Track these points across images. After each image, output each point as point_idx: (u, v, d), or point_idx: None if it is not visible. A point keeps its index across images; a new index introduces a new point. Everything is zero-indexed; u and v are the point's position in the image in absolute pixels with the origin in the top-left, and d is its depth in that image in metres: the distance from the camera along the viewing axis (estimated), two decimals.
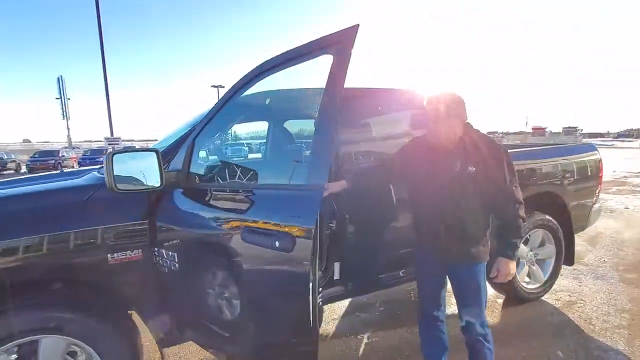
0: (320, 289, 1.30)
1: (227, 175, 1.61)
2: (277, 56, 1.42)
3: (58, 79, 21.25)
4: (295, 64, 1.37)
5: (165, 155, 1.78)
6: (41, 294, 1.53)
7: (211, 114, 1.60)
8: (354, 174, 2.08)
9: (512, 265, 1.65)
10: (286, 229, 1.20)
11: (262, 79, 1.47)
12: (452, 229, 1.64)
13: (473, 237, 1.65)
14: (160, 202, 1.67)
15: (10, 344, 1.44)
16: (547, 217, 2.87)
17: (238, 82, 1.51)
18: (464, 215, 1.62)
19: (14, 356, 1.48)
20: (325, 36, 1.27)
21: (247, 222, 1.36)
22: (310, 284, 1.16)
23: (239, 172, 1.52)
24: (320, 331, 2.62)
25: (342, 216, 2.23)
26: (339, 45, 1.20)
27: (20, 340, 1.46)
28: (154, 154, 1.48)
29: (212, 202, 1.58)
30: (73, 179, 1.98)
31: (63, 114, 21.71)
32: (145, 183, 1.47)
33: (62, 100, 21.25)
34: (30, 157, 23.23)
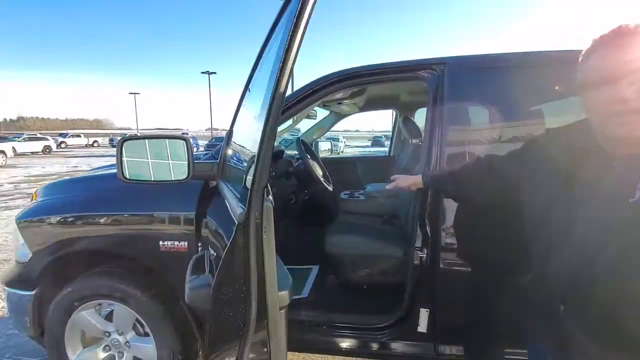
0: None
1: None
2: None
3: None
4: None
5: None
6: (111, 266, 1.73)
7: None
8: (444, 171, 1.40)
9: None
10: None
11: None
12: (590, 316, 0.76)
13: None
14: (213, 194, 1.59)
15: (89, 302, 1.69)
16: None
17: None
18: (628, 296, 0.69)
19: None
20: None
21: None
22: None
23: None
24: None
25: (437, 241, 1.54)
26: None
27: (97, 301, 1.70)
28: (182, 142, 1.37)
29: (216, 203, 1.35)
30: None
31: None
32: (173, 173, 1.39)
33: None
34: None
